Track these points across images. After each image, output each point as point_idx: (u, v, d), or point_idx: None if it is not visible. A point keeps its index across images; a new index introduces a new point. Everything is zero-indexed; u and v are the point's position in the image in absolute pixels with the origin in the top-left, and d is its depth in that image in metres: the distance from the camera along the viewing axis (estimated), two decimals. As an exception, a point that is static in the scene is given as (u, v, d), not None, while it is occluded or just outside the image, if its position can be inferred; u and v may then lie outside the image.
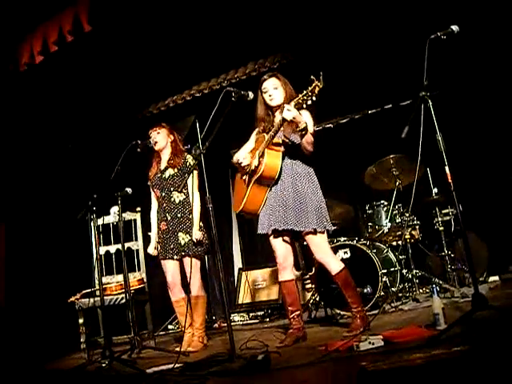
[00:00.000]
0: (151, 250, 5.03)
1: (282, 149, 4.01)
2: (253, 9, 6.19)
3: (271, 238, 4.12)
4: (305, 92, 3.64)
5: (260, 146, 4.08)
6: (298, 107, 3.72)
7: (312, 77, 3.58)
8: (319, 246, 4.04)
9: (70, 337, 5.80)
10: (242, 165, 4.15)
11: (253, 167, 4.08)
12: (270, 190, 4.07)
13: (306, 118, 3.87)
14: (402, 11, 5.91)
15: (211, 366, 3.43)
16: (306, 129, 3.79)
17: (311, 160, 4.12)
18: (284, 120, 3.77)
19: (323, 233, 4.04)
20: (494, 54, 5.79)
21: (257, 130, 4.31)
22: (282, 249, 4.12)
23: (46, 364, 5.43)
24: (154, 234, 5.05)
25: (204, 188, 3.86)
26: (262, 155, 4.00)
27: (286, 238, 4.12)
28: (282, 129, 3.97)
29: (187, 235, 4.78)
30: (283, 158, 4.01)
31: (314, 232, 3.97)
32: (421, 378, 2.24)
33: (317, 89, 3.59)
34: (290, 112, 3.71)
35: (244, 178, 4.24)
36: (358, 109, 6.99)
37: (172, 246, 4.81)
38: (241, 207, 4.15)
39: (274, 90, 4.11)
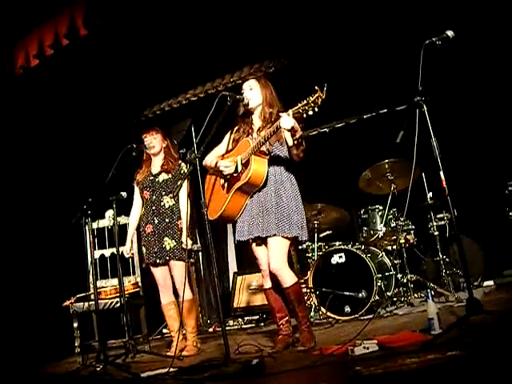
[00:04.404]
0: (126, 252, 4.95)
1: (267, 156, 3.91)
2: (249, 13, 6.20)
3: (253, 245, 4.03)
4: (305, 101, 3.46)
5: (242, 150, 3.97)
6: (297, 116, 3.57)
7: (316, 87, 3.42)
8: (280, 255, 3.88)
9: (65, 341, 5.79)
10: (224, 173, 4.02)
11: (234, 173, 3.99)
12: (251, 196, 3.97)
13: None
14: (398, 16, 5.93)
15: (206, 370, 3.42)
16: (302, 137, 3.71)
17: (295, 167, 4.01)
18: (278, 128, 3.65)
19: (289, 245, 3.93)
20: (490, 60, 5.81)
21: (234, 130, 4.20)
22: (265, 256, 4.00)
23: (41, 368, 5.41)
24: (130, 235, 5.01)
25: (198, 192, 3.84)
26: (247, 162, 3.89)
27: (266, 246, 4.00)
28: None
29: (173, 240, 4.77)
30: (268, 165, 3.91)
31: (286, 240, 3.87)
32: (415, 383, 2.25)
33: (319, 100, 3.41)
34: (288, 121, 3.57)
35: (222, 182, 4.13)
36: (353, 113, 7.00)
37: (156, 250, 4.79)
38: (218, 214, 4.03)
39: (249, 90, 4.03)
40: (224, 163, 4.04)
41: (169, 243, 4.76)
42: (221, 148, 4.26)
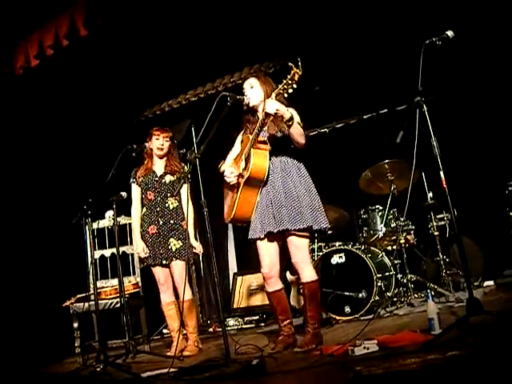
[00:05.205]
0: (142, 251, 4.85)
1: (268, 147, 3.88)
2: (249, 14, 6.20)
3: (260, 243, 3.97)
4: (284, 81, 3.51)
5: (245, 147, 3.96)
6: (280, 98, 3.62)
7: (290, 64, 3.45)
8: (301, 248, 3.86)
9: (65, 341, 5.79)
10: (230, 184, 4.02)
11: (240, 170, 3.97)
12: (261, 192, 3.93)
13: (290, 111, 3.74)
14: (398, 16, 5.94)
15: (206, 370, 3.42)
16: (292, 119, 3.66)
17: (300, 155, 3.98)
18: (267, 114, 3.65)
19: (309, 235, 3.89)
20: (490, 60, 5.81)
21: (241, 133, 4.20)
22: (267, 258, 3.97)
23: (41, 368, 5.41)
24: (138, 234, 4.94)
25: (199, 192, 3.85)
26: (248, 156, 3.87)
27: (276, 244, 3.98)
28: (265, 128, 3.87)
29: (179, 241, 4.80)
30: (271, 157, 3.89)
31: (302, 234, 3.83)
32: (415, 383, 2.25)
33: (296, 76, 3.45)
34: (272, 105, 3.59)
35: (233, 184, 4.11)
36: (353, 114, 7.01)
37: (162, 251, 4.80)
38: (232, 215, 3.96)
39: (250, 89, 4.01)
40: (227, 172, 4.04)
41: (174, 244, 4.79)
42: (235, 150, 4.25)
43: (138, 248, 4.90)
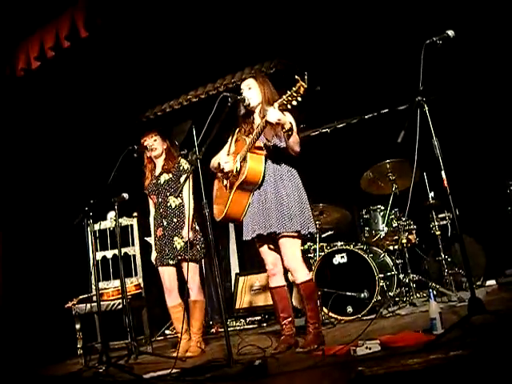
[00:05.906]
0: (153, 260, 4.98)
1: (264, 152, 3.92)
2: (249, 14, 6.20)
3: (258, 244, 4.03)
4: (289, 93, 3.50)
5: (241, 149, 3.98)
6: (283, 108, 3.61)
7: (296, 76, 3.43)
8: (291, 250, 3.88)
9: (67, 342, 5.79)
10: (225, 170, 4.06)
11: (235, 172, 3.99)
12: (253, 194, 3.97)
13: (289, 119, 3.75)
14: (399, 16, 5.93)
15: (208, 371, 3.42)
16: (291, 129, 3.69)
17: (294, 161, 4.00)
18: (267, 122, 3.67)
19: (299, 238, 3.91)
20: (491, 59, 5.81)
21: (236, 131, 4.20)
22: (270, 255, 4.02)
23: (43, 370, 5.41)
24: (153, 242, 5.01)
25: (200, 193, 3.84)
26: (244, 159, 3.90)
27: (273, 245, 4.00)
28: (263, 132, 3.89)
29: (182, 239, 4.77)
30: (265, 161, 3.92)
31: (292, 235, 3.84)
32: (418, 383, 2.25)
33: (302, 89, 3.43)
34: (274, 114, 3.60)
35: (225, 183, 4.13)
36: (354, 113, 7.01)
37: (167, 251, 4.79)
38: (223, 214, 4.01)
39: (248, 90, 4.03)
40: (223, 159, 4.09)
41: (179, 242, 4.77)
42: (225, 150, 4.26)
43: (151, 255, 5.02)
